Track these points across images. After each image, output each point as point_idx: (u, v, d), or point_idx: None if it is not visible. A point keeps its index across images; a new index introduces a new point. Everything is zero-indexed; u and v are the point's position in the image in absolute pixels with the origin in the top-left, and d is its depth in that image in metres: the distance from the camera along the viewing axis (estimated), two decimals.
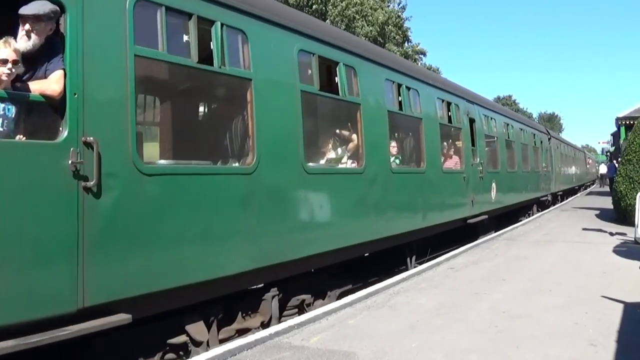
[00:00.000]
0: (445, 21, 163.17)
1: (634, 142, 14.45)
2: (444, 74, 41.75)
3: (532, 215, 18.74)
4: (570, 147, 34.62)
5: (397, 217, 8.05)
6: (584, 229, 13.41)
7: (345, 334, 5.20)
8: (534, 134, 19.68)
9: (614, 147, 40.15)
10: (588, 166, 49.20)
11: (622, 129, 28.11)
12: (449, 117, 10.78)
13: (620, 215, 14.74)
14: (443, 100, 10.51)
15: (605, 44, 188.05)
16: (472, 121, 12.11)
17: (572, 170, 32.79)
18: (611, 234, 12.37)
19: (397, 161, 8.36)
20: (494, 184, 13.04)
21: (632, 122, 21.29)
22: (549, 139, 22.79)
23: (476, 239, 11.80)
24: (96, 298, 3.73)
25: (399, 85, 8.41)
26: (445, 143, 10.56)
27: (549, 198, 22.06)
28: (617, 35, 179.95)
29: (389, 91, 8.22)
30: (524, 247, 10.71)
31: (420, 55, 40.80)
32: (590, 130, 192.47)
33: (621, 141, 26.61)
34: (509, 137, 15.42)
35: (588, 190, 40.37)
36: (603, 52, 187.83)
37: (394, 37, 36.84)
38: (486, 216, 12.25)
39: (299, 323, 5.47)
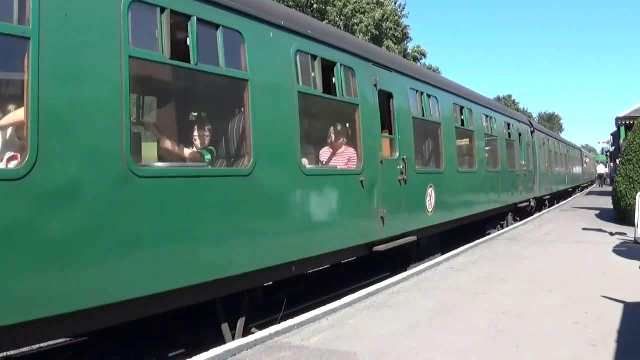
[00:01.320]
0: (445, 21, 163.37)
1: (634, 142, 14.45)
2: (444, 74, 41.72)
3: (507, 226, 15.06)
4: (563, 143, 30.13)
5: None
6: (584, 229, 13.41)
7: (345, 334, 5.20)
8: (510, 124, 15.40)
9: (614, 147, 40.10)
10: (586, 166, 44.82)
11: (622, 129, 28.11)
12: (331, 86, 6.97)
13: (620, 215, 14.74)
14: (313, 57, 6.48)
15: (606, 44, 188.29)
16: (388, 96, 8.25)
17: (565, 170, 28.67)
18: (611, 234, 12.36)
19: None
20: (430, 190, 9.22)
21: (632, 122, 21.28)
22: (532, 132, 18.73)
23: (405, 269, 8.63)
24: None
25: None
26: (324, 127, 7.73)
27: (532, 204, 17.80)
28: (617, 35, 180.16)
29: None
30: (524, 247, 10.70)
31: (420, 56, 40.82)
32: (590, 130, 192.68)
33: (621, 141, 26.59)
34: (463, 125, 11.33)
35: (588, 190, 40.22)
36: (603, 52, 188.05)
37: (393, 35, 36.84)
38: (414, 238, 8.48)
39: (299, 323, 5.47)
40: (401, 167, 8.14)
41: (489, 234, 13.33)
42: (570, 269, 8.31)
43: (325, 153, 7.41)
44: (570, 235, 12.45)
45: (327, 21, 30.49)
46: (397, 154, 8.19)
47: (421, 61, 40.66)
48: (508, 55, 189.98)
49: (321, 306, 6.19)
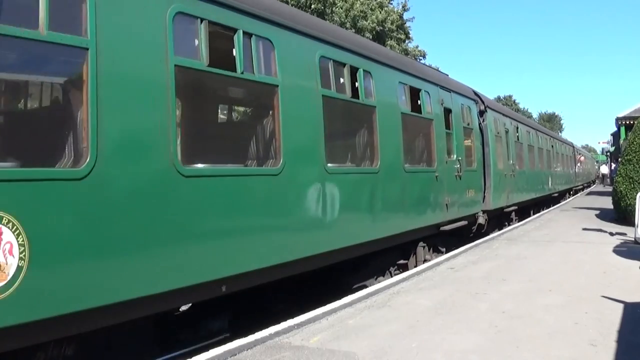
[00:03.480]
0: (445, 21, 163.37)
1: (634, 142, 14.45)
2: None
3: (414, 265, 9.13)
4: (545, 135, 23.56)
5: None
6: (584, 229, 13.41)
7: (345, 334, 5.20)
8: (419, 91, 9.19)
9: (614, 147, 40.00)
10: (580, 164, 38.01)
11: (622, 129, 28.06)
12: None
13: (620, 215, 14.74)
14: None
15: (606, 44, 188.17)
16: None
17: (548, 169, 22.44)
18: (611, 234, 12.36)
19: None
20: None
21: (632, 122, 21.23)
22: (482, 113, 12.73)
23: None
24: None
25: None
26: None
27: (481, 221, 12.16)
28: (617, 35, 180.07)
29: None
30: (524, 247, 10.71)
31: (420, 56, 40.82)
32: (590, 130, 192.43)
33: (621, 141, 26.54)
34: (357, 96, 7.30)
35: (588, 190, 40.09)
36: (603, 52, 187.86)
37: (396, 36, 36.88)
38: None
39: (299, 323, 5.47)
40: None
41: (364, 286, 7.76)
42: (570, 269, 8.31)
43: None
44: (570, 235, 12.45)
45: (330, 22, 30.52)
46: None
47: (421, 61, 40.66)
48: (508, 55, 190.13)
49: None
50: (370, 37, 31.60)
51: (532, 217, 17.93)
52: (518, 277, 7.81)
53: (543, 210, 20.92)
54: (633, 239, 11.13)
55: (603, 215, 16.94)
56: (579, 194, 33.35)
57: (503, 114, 15.42)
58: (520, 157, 16.80)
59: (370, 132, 7.76)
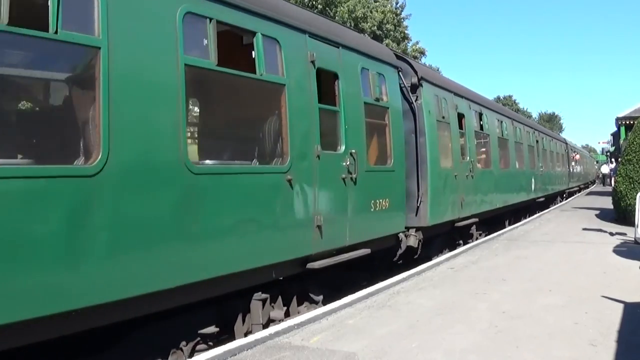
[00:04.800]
0: (445, 21, 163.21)
1: (634, 142, 14.45)
2: (444, 74, 41.56)
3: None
4: (525, 126, 18.68)
5: None
6: (584, 229, 13.41)
7: (345, 334, 5.20)
8: (267, 38, 5.76)
9: (614, 147, 39.97)
10: (574, 164, 33.34)
11: (622, 129, 28.07)
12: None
13: (620, 215, 14.74)
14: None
15: (606, 44, 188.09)
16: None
17: (531, 169, 18.37)
18: (611, 234, 12.36)
19: None
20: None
21: (632, 122, 21.21)
22: (414, 87, 9.20)
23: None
24: None
25: None
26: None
27: (411, 241, 8.91)
28: (618, 35, 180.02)
29: None
30: (524, 247, 10.70)
31: (419, 55, 40.82)
32: (590, 130, 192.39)
33: (621, 141, 26.55)
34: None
35: (588, 190, 40.04)
36: (603, 52, 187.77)
37: (394, 36, 36.93)
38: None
39: (299, 323, 5.47)
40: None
41: None
42: (570, 269, 8.32)
43: None
44: (570, 235, 12.45)
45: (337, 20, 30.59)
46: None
47: (421, 60, 40.65)
48: (508, 55, 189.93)
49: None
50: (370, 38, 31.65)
51: (532, 217, 17.86)
52: (518, 277, 7.81)
53: (524, 219, 17.21)
54: (633, 239, 11.13)
55: (603, 215, 16.94)
56: (575, 196, 30.83)
57: (455, 93, 11.21)
58: (485, 153, 13.27)
59: None
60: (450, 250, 10.66)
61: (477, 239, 12.14)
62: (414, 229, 8.96)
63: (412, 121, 9.11)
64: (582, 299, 6.39)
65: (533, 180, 18.37)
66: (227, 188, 5.05)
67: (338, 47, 6.97)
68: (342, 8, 32.42)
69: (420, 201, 9.02)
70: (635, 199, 12.04)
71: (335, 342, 4.95)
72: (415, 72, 9.21)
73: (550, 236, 12.44)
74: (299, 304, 6.55)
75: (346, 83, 7.01)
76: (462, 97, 11.77)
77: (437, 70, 43.20)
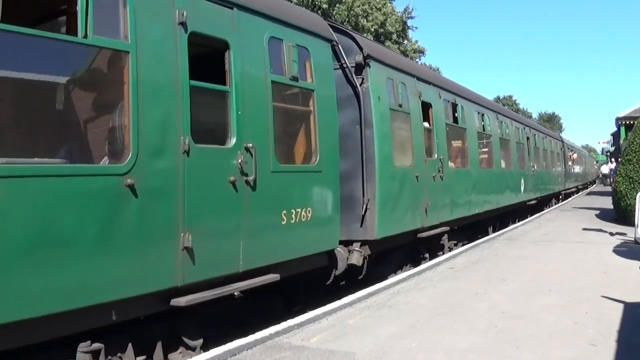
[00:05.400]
0: (445, 20, 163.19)
1: (634, 142, 14.46)
2: (444, 74, 41.45)
3: None
4: (512, 121, 16.76)
5: None
6: (584, 229, 13.41)
7: (345, 334, 5.20)
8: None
9: (614, 147, 39.96)
10: (571, 163, 31.46)
11: (622, 129, 28.08)
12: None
13: (620, 215, 14.74)
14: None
15: (606, 44, 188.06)
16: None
17: (520, 168, 16.59)
18: (611, 234, 12.36)
19: None
20: None
21: (632, 122, 21.20)
22: (360, 68, 7.48)
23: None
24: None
25: None
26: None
27: (354, 258, 7.30)
28: (617, 35, 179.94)
29: None
30: (524, 247, 10.70)
31: (418, 54, 40.77)
32: (590, 130, 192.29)
33: (621, 141, 26.54)
34: None
35: (588, 190, 40.05)
36: (603, 52, 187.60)
37: (396, 39, 36.89)
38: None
39: (299, 323, 5.47)
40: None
41: None
42: (570, 269, 8.32)
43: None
44: (570, 235, 12.45)
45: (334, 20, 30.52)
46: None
47: (420, 60, 40.62)
48: (508, 55, 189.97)
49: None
50: (371, 39, 31.59)
51: (532, 217, 17.84)
52: (518, 277, 7.81)
53: (512, 224, 15.71)
54: (633, 239, 11.12)
55: (603, 215, 16.93)
56: (573, 197, 29.57)
57: (418, 78, 9.32)
58: (461, 150, 11.60)
59: None
60: (415, 266, 8.81)
61: (450, 249, 10.55)
62: (359, 243, 7.32)
63: (356, 109, 7.41)
64: (582, 299, 6.39)
65: (523, 181, 16.66)
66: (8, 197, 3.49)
67: (232, 8, 5.30)
68: (340, 6, 32.27)
69: (367, 209, 7.28)
70: (635, 199, 12.04)
71: (335, 342, 4.95)
72: (361, 49, 7.45)
73: (550, 236, 12.44)
74: (173, 348, 4.84)
75: (243, 55, 5.32)
76: (428, 83, 9.82)
77: (437, 70, 43.14)
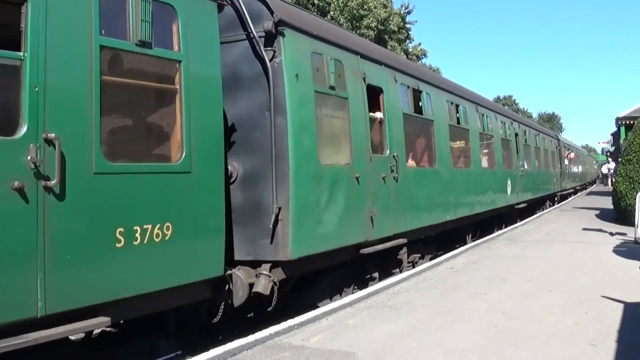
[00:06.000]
0: (445, 20, 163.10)
1: (634, 142, 14.47)
2: (444, 74, 41.38)
3: None
4: (497, 114, 14.96)
5: None
6: (584, 229, 13.41)
7: (345, 334, 5.20)
8: None
9: (614, 147, 39.98)
10: (567, 162, 29.54)
11: (622, 129, 28.13)
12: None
13: (620, 215, 14.75)
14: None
15: (606, 44, 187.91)
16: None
17: (507, 168, 14.91)
18: (611, 234, 12.36)
19: None
20: None
21: (632, 122, 21.22)
22: (271, 37, 5.73)
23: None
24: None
25: None
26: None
27: (261, 286, 5.61)
28: (617, 35, 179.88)
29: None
30: (524, 247, 10.71)
31: (421, 55, 40.74)
32: (590, 130, 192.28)
33: (621, 141, 26.58)
34: None
35: (588, 190, 40.04)
36: (603, 52, 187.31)
37: (398, 37, 36.84)
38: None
39: (299, 323, 5.47)
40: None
41: None
42: (570, 269, 8.32)
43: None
44: (570, 235, 12.45)
45: (329, 17, 30.40)
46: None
47: (421, 61, 40.59)
48: (508, 55, 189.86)
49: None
50: (373, 36, 31.49)
51: (532, 217, 17.82)
52: (518, 277, 7.81)
53: (498, 229, 14.22)
54: (633, 239, 11.13)
55: (603, 215, 16.94)
56: (571, 198, 28.34)
57: (362, 55, 7.46)
58: (427, 146, 9.81)
59: None
60: (361, 288, 7.30)
61: (413, 265, 9.00)
62: (269, 265, 5.70)
63: (266, 92, 5.71)
64: (582, 298, 6.39)
65: (510, 182, 14.74)
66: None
67: None
68: (334, 2, 31.93)
69: (277, 220, 5.61)
70: (635, 199, 12.05)
71: (335, 342, 4.95)
72: (271, 13, 5.72)
73: (550, 236, 12.44)
74: None
75: (50, 12, 3.69)
76: (378, 62, 7.97)
77: (437, 70, 43.02)
